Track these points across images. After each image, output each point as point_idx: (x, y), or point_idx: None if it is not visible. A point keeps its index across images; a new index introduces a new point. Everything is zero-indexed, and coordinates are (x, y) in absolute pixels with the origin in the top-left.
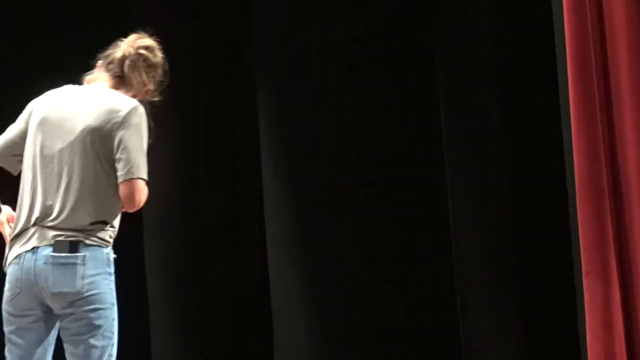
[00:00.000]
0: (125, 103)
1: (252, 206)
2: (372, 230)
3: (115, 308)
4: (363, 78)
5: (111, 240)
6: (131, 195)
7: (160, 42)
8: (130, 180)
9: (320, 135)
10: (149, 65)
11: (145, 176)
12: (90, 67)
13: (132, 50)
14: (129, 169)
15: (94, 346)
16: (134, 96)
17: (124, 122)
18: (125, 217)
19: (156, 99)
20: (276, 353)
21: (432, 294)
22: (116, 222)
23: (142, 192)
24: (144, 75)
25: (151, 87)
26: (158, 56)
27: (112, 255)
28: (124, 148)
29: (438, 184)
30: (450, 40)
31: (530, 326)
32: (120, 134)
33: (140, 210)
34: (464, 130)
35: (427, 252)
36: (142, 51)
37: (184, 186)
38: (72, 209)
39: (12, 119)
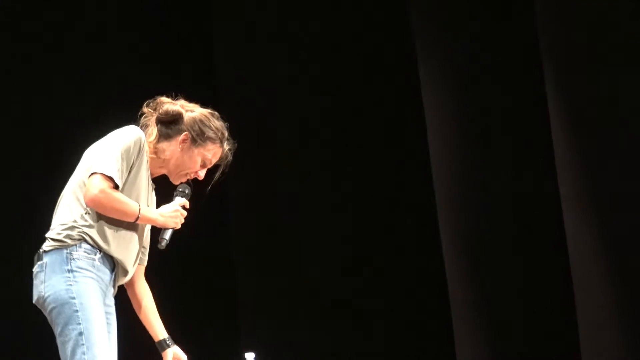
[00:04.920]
0: None
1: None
2: None
3: (77, 300)
4: None
5: (72, 240)
6: None
7: None
8: None
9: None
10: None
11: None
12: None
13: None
14: None
15: (64, 342)
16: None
17: None
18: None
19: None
20: (583, 343)
21: None
22: (78, 220)
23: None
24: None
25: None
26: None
27: (79, 252)
28: None
29: None
30: None
31: None
32: None
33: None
34: None
35: None
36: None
37: (476, 164)
38: None
39: None
